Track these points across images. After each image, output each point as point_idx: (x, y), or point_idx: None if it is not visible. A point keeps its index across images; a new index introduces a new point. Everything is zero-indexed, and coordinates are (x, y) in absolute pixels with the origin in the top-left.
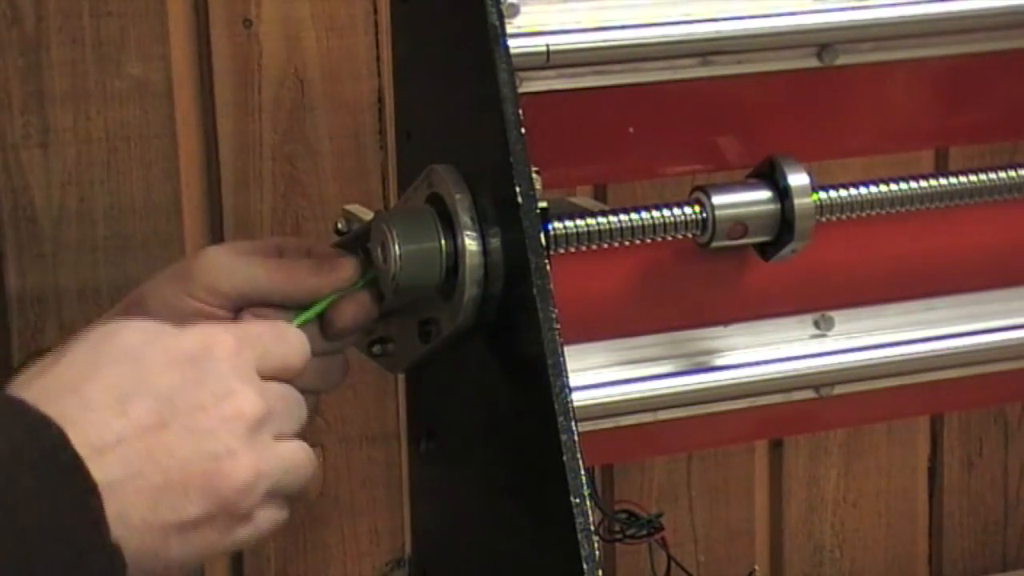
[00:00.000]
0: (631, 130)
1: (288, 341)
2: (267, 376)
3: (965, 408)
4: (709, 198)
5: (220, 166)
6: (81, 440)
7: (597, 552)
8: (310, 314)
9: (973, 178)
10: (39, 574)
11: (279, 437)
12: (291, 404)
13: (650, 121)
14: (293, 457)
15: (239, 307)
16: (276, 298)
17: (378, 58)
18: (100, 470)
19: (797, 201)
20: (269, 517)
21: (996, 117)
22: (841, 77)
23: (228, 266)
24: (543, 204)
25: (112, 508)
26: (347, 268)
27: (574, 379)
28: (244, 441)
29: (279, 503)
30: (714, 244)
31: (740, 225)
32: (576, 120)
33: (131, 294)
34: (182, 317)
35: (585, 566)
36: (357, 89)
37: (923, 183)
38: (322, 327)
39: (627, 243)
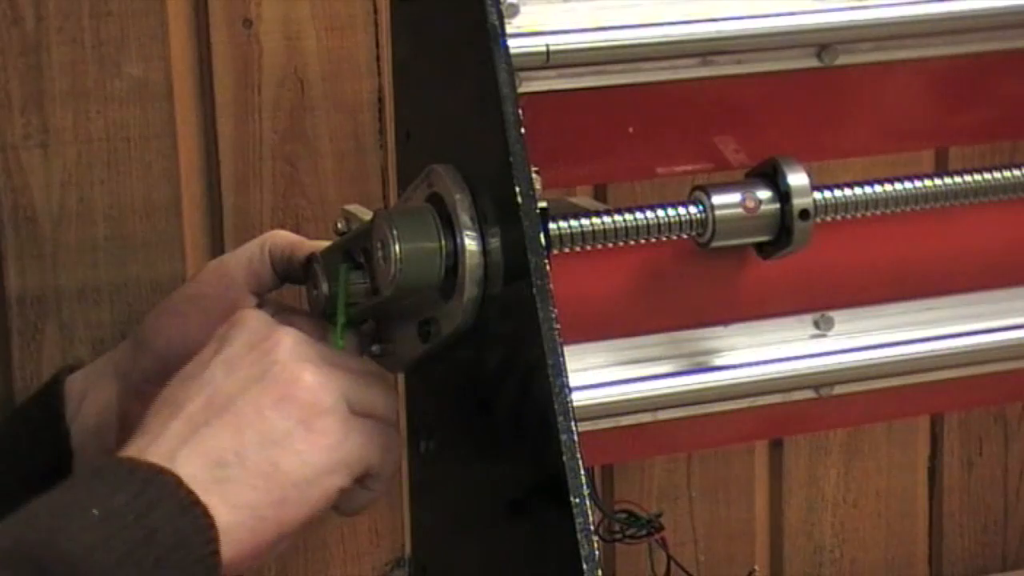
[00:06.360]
0: (631, 130)
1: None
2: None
3: (965, 408)
4: (709, 198)
5: (220, 166)
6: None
7: (597, 552)
8: (340, 330)
9: (973, 178)
10: None
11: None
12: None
13: (650, 121)
14: (363, 368)
15: None
16: None
17: (378, 58)
18: (183, 467)
19: (797, 201)
20: (368, 492)
21: (996, 117)
22: (841, 77)
23: None
24: (543, 204)
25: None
26: None
27: (574, 379)
28: (300, 364)
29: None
30: (714, 244)
31: (752, 198)
32: (576, 120)
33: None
34: None
35: (585, 566)
36: (357, 89)
37: (923, 183)
38: None
39: (627, 243)
